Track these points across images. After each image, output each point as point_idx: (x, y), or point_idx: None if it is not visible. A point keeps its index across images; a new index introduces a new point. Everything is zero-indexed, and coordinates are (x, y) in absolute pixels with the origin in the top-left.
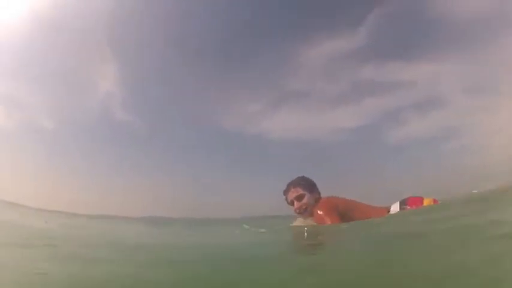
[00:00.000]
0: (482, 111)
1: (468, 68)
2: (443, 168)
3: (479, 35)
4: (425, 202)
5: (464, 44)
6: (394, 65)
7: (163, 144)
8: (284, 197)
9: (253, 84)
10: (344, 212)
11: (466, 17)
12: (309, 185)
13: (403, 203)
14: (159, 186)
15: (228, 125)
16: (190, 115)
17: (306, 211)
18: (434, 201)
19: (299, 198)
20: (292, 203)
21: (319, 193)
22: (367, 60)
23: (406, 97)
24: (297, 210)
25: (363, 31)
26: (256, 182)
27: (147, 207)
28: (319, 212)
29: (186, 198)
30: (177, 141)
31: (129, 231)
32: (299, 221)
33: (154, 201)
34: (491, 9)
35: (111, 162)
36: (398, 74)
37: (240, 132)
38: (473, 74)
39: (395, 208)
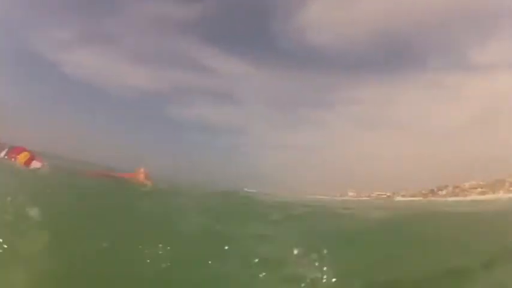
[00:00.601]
0: (273, 123)
1: (281, 85)
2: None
3: (318, 64)
4: (21, 156)
5: (291, 65)
6: (212, 51)
7: None
8: None
9: (69, 14)
10: None
11: (308, 43)
12: None
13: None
14: None
15: (31, 44)
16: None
17: None
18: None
19: None
20: None
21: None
22: (191, 35)
23: (207, 83)
24: None
25: (199, 8)
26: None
27: None
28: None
29: None
30: None
31: None
32: None
33: None
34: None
35: None
36: (211, 61)
37: (38, 55)
38: (285, 91)
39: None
